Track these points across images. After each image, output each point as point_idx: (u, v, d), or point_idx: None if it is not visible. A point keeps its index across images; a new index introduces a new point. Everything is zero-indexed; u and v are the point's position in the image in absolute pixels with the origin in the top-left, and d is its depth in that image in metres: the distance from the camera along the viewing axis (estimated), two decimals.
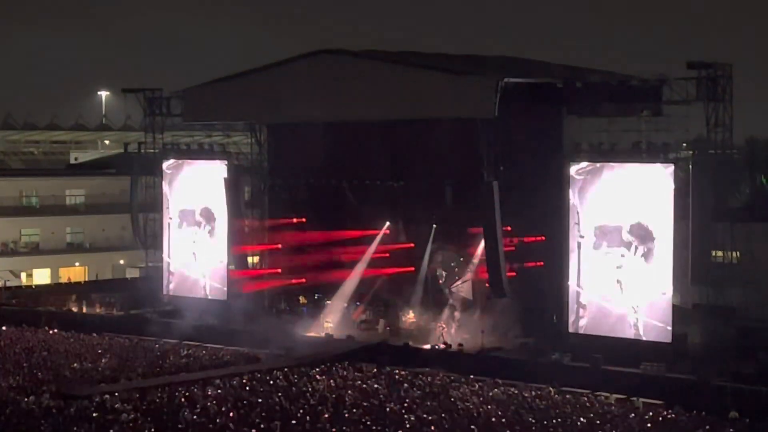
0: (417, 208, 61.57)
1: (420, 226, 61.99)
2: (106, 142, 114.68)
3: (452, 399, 46.12)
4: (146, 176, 69.82)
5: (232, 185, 64.71)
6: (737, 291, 51.53)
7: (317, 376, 50.82)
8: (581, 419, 42.56)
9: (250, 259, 67.23)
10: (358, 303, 62.75)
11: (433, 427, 40.82)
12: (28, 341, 59.18)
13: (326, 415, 42.58)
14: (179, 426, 40.59)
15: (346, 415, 42.74)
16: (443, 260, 61.62)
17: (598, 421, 42.25)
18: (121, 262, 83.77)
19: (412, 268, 61.78)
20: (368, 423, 41.23)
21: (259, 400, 45.22)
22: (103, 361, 53.88)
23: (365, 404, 44.74)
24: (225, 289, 65.44)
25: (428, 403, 45.12)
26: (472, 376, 50.75)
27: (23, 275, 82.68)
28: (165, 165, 68.75)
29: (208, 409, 43.74)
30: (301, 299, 64.78)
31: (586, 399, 46.51)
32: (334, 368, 52.79)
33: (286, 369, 52.63)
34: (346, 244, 63.80)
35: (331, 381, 49.60)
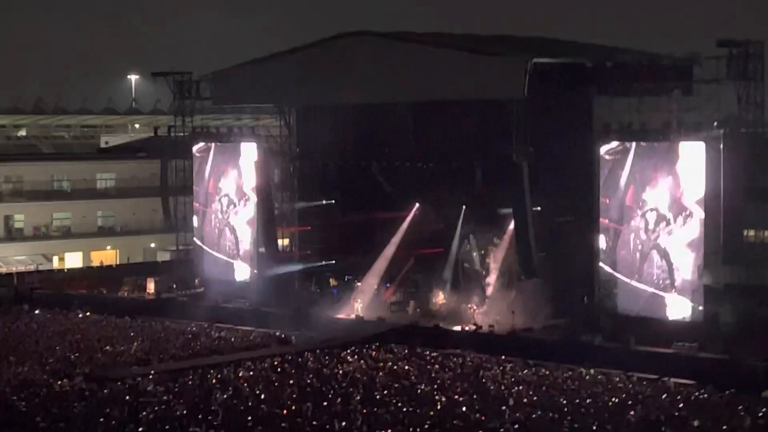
0: (447, 189, 61.44)
1: (450, 208, 61.88)
2: (137, 125, 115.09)
3: (483, 380, 46.12)
4: (176, 159, 70.01)
5: (262, 168, 64.79)
6: None
7: (348, 358, 50.92)
8: (613, 399, 42.46)
9: (280, 242, 67.32)
10: (388, 284, 62.76)
11: (464, 409, 40.82)
12: (60, 325, 59.57)
13: (357, 397, 42.65)
14: (211, 408, 40.74)
15: (377, 396, 42.81)
16: (473, 241, 61.50)
17: (629, 402, 42.13)
18: (152, 245, 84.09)
19: (442, 250, 61.69)
20: (399, 404, 41.28)
21: (290, 382, 45.36)
22: (135, 344, 54.15)
23: (396, 386, 44.79)
24: (255, 271, 65.56)
25: (459, 385, 45.13)
26: (503, 358, 50.72)
27: (55, 259, 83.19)
28: (195, 148, 68.91)
29: (239, 390, 43.92)
30: (332, 281, 64.84)
31: (617, 379, 46.38)
32: (364, 350, 52.88)
33: (317, 351, 52.79)
34: (376, 225, 63.80)
35: (362, 363, 49.68)
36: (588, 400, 42.32)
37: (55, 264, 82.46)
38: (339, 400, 42.17)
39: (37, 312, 63.40)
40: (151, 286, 66.78)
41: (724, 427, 38.02)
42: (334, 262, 64.54)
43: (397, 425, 38.02)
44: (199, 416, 39.28)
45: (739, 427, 38.29)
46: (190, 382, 45.60)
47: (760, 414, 40.05)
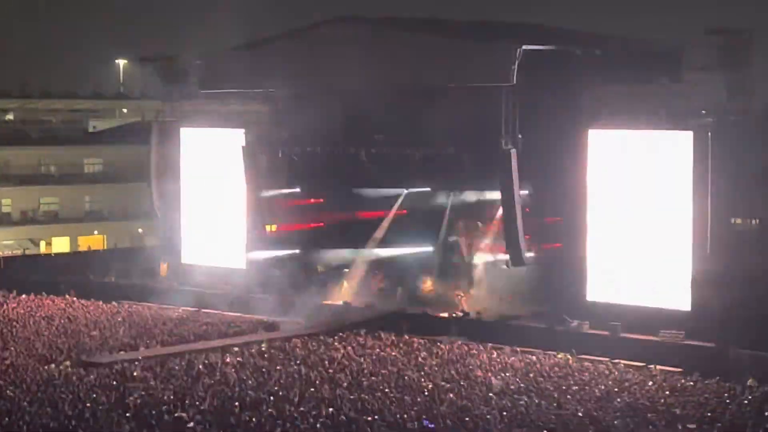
0: (435, 176, 61.39)
1: (438, 194, 61.86)
2: (124, 110, 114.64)
3: (470, 367, 46.19)
4: (164, 145, 69.81)
5: (250, 153, 64.67)
6: (756, 258, 51.34)
7: (335, 344, 50.96)
8: (599, 387, 42.59)
9: (268, 227, 67.18)
10: (376, 271, 62.73)
11: (451, 395, 40.90)
12: (47, 309, 59.47)
13: (344, 383, 42.71)
14: (198, 393, 40.75)
15: (365, 382, 42.87)
16: (461, 228, 61.52)
17: (616, 389, 42.29)
18: (140, 230, 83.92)
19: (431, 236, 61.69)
20: (386, 391, 41.34)
21: (278, 368, 45.39)
22: (122, 329, 54.12)
23: (383, 372, 44.86)
24: (243, 257, 65.47)
25: (446, 371, 45.21)
26: (490, 344, 50.80)
27: (42, 244, 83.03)
28: (182, 133, 68.76)
29: (227, 376, 43.93)
30: (319, 267, 64.77)
31: (604, 367, 46.51)
32: (352, 336, 52.91)
33: (304, 337, 52.83)
34: (365, 211, 63.77)
35: (349, 349, 49.73)
36: (574, 387, 42.44)
37: (43, 249, 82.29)
38: (326, 386, 42.21)
39: (23, 297, 63.23)
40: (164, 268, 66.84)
41: (709, 414, 38.15)
42: (321, 248, 64.44)
43: (384, 411, 38.07)
44: (186, 402, 39.30)
45: (724, 414, 38.40)
46: (177, 368, 45.60)
47: (746, 401, 40.21)
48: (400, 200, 62.82)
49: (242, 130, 65.82)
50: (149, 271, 68.08)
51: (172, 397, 40.24)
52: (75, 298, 62.76)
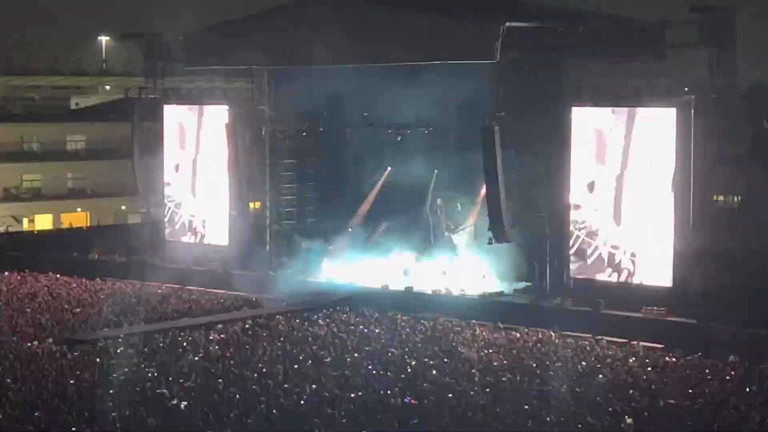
0: (419, 153, 61.46)
1: (421, 172, 61.91)
2: (107, 87, 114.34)
3: (453, 344, 46.33)
4: (147, 121, 69.65)
5: (234, 131, 64.57)
6: (738, 236, 51.57)
7: (319, 321, 51.03)
8: (582, 363, 42.79)
9: (251, 205, 67.20)
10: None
11: (434, 372, 41.03)
12: (30, 287, 59.38)
13: (328, 360, 42.81)
14: (183, 370, 40.81)
15: (348, 360, 42.97)
16: (444, 205, 61.63)
17: (598, 365, 42.49)
18: (123, 207, 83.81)
19: (414, 214, 61.77)
20: (370, 368, 41.45)
21: (262, 345, 45.45)
22: (105, 306, 54.07)
23: (367, 349, 44.96)
24: (226, 234, 65.48)
25: (429, 348, 45.33)
26: (473, 321, 50.93)
27: (25, 221, 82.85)
28: (166, 110, 68.57)
29: (210, 353, 43.98)
30: (303, 244, 64.80)
31: (586, 343, 46.71)
32: (335, 313, 52.99)
33: (288, 314, 52.88)
34: (348, 188, 63.85)
35: (333, 326, 49.81)
36: (557, 364, 42.62)
37: (25, 226, 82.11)
38: (310, 363, 42.30)
39: (6, 273, 63.13)
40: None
41: (691, 390, 38.38)
42: (304, 225, 64.52)
43: (368, 388, 38.19)
44: (170, 378, 39.35)
45: (705, 390, 38.64)
46: (161, 345, 45.63)
47: (727, 377, 40.47)
48: (384, 176, 62.92)
49: (226, 107, 65.71)
50: (133, 249, 67.99)
51: (156, 374, 40.27)
52: (58, 275, 62.72)
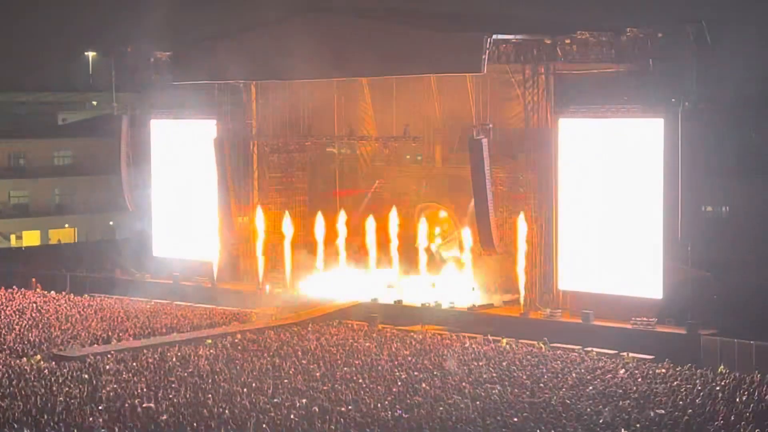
0: (408, 166, 61.48)
1: (410, 185, 61.92)
2: (94, 103, 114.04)
3: (443, 357, 46.24)
4: (134, 137, 69.52)
5: (221, 145, 64.52)
6: (727, 246, 51.63)
7: (309, 335, 50.92)
8: (572, 375, 42.74)
9: (239, 219, 67.06)
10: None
11: (424, 385, 40.94)
12: (18, 303, 59.17)
13: (318, 374, 42.70)
14: (172, 386, 40.65)
15: (338, 374, 42.86)
16: (433, 218, 61.58)
17: (588, 377, 42.43)
18: (111, 223, 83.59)
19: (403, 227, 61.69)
20: (360, 381, 41.34)
21: (251, 359, 45.31)
22: (94, 322, 53.90)
23: (357, 362, 44.86)
24: (215, 248, 65.32)
25: (419, 361, 45.25)
26: (463, 334, 50.87)
27: (13, 237, 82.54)
28: (153, 125, 68.54)
29: (200, 368, 43.84)
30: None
31: (576, 354, 46.68)
32: (325, 327, 52.86)
33: (277, 328, 52.75)
34: (336, 203, 63.79)
35: (323, 339, 49.69)
36: (547, 375, 42.57)
37: (13, 242, 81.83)
38: (300, 377, 42.19)
39: None
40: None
41: (681, 401, 38.34)
42: (292, 239, 64.41)
43: (357, 402, 38.08)
44: (159, 394, 39.20)
45: (695, 400, 38.60)
46: (150, 360, 45.46)
47: (717, 388, 40.43)
48: (372, 190, 62.94)
49: (213, 121, 65.68)
50: (121, 264, 67.84)
51: (144, 389, 40.12)
52: (45, 291, 62.52)
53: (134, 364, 44.77)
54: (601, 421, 35.44)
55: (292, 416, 36.39)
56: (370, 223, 60.60)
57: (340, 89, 62.81)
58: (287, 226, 63.62)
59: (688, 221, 51.05)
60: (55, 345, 48.77)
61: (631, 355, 46.63)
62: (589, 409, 37.20)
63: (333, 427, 35.05)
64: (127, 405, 37.70)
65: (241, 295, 60.28)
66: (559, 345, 48.48)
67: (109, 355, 46.24)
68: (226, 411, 36.99)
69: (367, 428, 35.16)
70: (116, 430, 34.78)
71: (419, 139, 59.32)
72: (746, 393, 39.33)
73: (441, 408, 37.34)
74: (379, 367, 44.07)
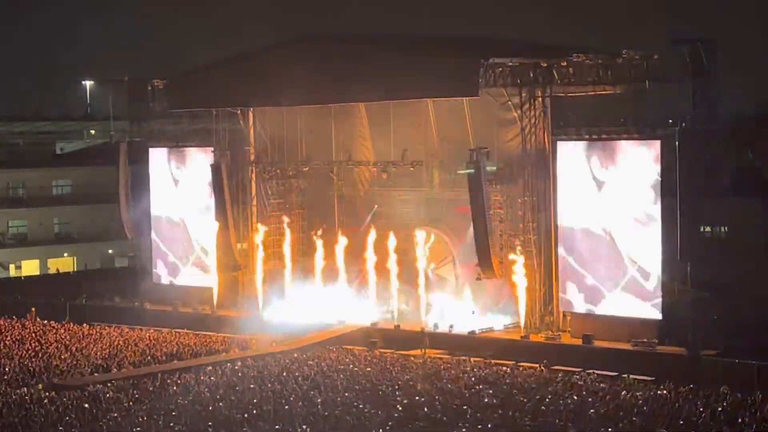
0: (406, 190, 61.57)
1: (407, 209, 61.94)
2: (92, 131, 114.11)
3: (444, 380, 46.16)
4: (132, 165, 69.64)
5: (219, 171, 64.59)
6: (726, 266, 51.64)
7: (309, 361, 50.84)
8: (573, 397, 42.63)
9: (238, 245, 67.04)
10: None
11: (425, 409, 40.86)
12: (18, 332, 59.09)
13: (318, 400, 42.61)
14: (173, 414, 40.56)
15: (338, 399, 42.78)
16: (430, 242, 61.47)
17: (590, 399, 42.33)
18: (110, 251, 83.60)
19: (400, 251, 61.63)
20: (361, 406, 41.26)
21: (252, 386, 45.22)
22: (94, 351, 53.82)
23: (357, 387, 44.78)
24: (213, 276, 65.31)
25: (420, 386, 45.16)
26: (463, 357, 50.81)
27: (11, 267, 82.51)
28: (151, 153, 68.64)
29: (201, 395, 43.75)
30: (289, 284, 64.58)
31: (577, 377, 46.59)
32: (325, 352, 52.77)
33: (277, 354, 52.68)
34: (334, 226, 63.76)
35: (323, 365, 49.61)
36: (548, 398, 42.48)
37: (12, 272, 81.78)
38: (300, 403, 42.11)
39: None
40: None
41: (682, 422, 38.25)
42: (293, 265, 64.37)
43: (359, 427, 37.99)
44: (160, 422, 39.10)
45: (697, 422, 38.51)
46: (150, 389, 45.37)
47: (719, 409, 40.34)
48: (371, 215, 62.89)
49: (211, 148, 65.81)
50: (120, 292, 67.82)
51: (145, 418, 40.03)
52: (45, 321, 62.49)
53: (135, 392, 44.68)
54: None
55: None
56: (370, 248, 60.51)
57: (338, 115, 62.92)
58: (286, 252, 63.62)
59: (686, 242, 51.08)
60: (55, 374, 48.70)
61: (632, 376, 46.54)
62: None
63: None
64: None
65: (241, 321, 60.17)
66: (559, 367, 48.41)
67: (109, 384, 46.15)
68: None
69: None
70: None
71: (417, 163, 59.42)
72: (748, 414, 39.25)
73: None
74: (380, 392, 43.98)
